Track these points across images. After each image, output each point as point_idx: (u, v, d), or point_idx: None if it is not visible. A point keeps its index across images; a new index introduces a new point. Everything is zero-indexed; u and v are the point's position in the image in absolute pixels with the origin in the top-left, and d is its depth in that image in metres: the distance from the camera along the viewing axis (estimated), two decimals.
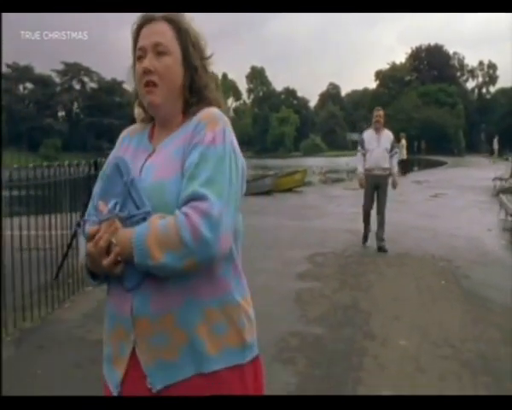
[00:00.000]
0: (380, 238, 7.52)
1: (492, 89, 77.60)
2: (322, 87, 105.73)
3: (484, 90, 78.87)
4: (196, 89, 1.45)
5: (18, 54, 57.58)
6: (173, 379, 1.32)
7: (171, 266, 1.25)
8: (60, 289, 5.18)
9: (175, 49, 1.43)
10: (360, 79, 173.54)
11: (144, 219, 1.30)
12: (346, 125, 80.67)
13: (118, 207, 1.33)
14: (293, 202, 14.25)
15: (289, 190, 16.37)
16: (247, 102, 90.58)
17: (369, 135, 7.75)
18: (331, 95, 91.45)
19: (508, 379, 3.53)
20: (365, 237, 7.87)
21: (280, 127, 79.06)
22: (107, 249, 1.30)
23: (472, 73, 79.50)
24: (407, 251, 7.47)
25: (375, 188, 7.65)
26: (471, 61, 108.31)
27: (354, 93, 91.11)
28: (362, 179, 7.72)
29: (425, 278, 6.10)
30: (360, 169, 7.72)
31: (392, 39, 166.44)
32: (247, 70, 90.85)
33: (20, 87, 69.70)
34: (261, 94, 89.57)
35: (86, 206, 1.62)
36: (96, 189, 1.46)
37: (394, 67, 74.21)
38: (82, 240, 1.40)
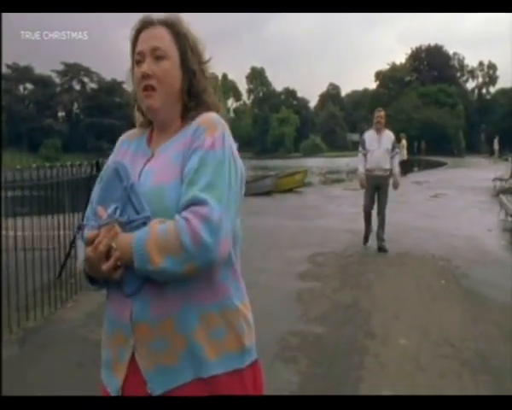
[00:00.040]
0: (380, 238, 7.55)
1: (492, 89, 77.73)
2: (322, 87, 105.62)
3: (484, 91, 78.84)
4: (195, 93, 1.46)
5: (18, 54, 57.61)
6: (173, 384, 1.31)
7: (171, 271, 1.25)
8: (63, 288, 5.21)
9: (173, 53, 1.43)
10: (360, 79, 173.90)
11: (144, 223, 1.30)
12: (346, 125, 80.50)
13: (118, 212, 1.32)
14: (294, 202, 14.28)
15: (290, 190, 16.41)
16: (247, 102, 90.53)
17: (370, 135, 7.76)
18: (331, 95, 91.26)
19: (508, 378, 3.55)
20: (366, 238, 7.88)
21: (280, 128, 78.87)
22: (107, 254, 1.29)
23: (472, 73, 79.43)
24: (407, 251, 7.49)
25: (376, 188, 7.66)
26: (471, 61, 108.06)
27: (354, 93, 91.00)
28: (363, 180, 7.74)
29: (425, 278, 6.13)
30: (361, 169, 7.75)
31: (391, 40, 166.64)
32: (247, 70, 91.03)
33: (20, 87, 69.54)
34: (261, 94, 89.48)
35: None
36: (95, 193, 1.46)
37: (394, 68, 74.13)
38: (80, 244, 1.39)
